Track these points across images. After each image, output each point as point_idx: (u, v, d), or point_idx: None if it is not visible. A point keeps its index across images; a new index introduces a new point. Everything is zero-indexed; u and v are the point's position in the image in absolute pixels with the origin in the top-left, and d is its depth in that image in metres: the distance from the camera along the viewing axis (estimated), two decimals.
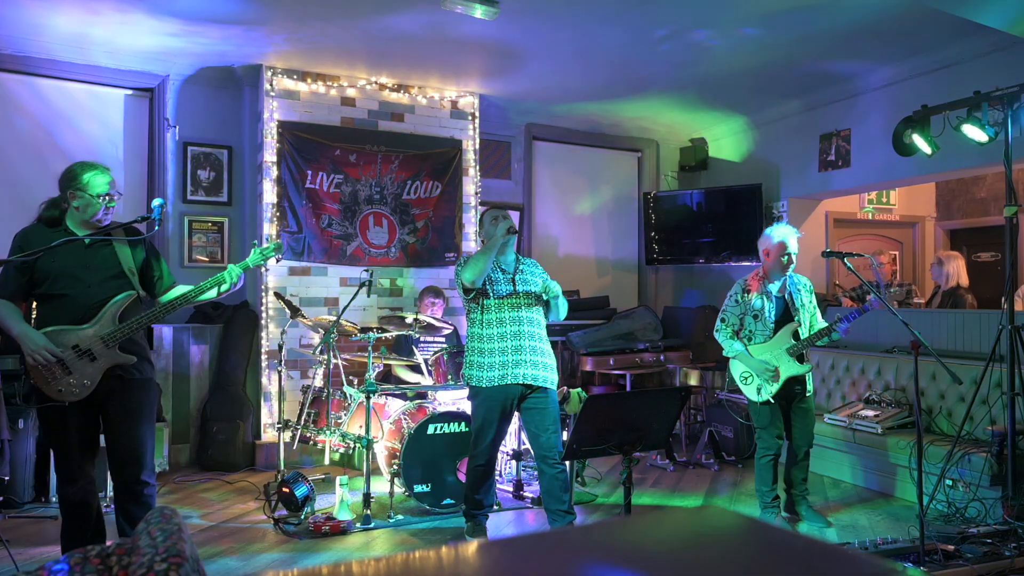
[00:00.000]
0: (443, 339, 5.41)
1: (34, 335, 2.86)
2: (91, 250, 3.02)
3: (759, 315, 4.22)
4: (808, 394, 4.24)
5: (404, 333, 5.08)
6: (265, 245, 3.43)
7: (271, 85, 5.71)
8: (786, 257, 4.17)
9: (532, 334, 3.86)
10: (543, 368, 3.85)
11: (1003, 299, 4.09)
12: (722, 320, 4.32)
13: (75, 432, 2.99)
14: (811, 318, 4.27)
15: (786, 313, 4.23)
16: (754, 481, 4.43)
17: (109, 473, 3.20)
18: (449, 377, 4.86)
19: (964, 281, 6.00)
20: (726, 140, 7.54)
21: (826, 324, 4.18)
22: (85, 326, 2.93)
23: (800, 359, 4.16)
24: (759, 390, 4.18)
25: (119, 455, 3.04)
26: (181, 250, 5.85)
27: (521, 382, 3.80)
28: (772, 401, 4.16)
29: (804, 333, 4.19)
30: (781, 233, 4.22)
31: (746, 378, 4.25)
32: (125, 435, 3.03)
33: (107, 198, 3.04)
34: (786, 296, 4.25)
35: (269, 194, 5.69)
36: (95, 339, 2.93)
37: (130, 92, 5.79)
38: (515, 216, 6.87)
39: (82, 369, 2.91)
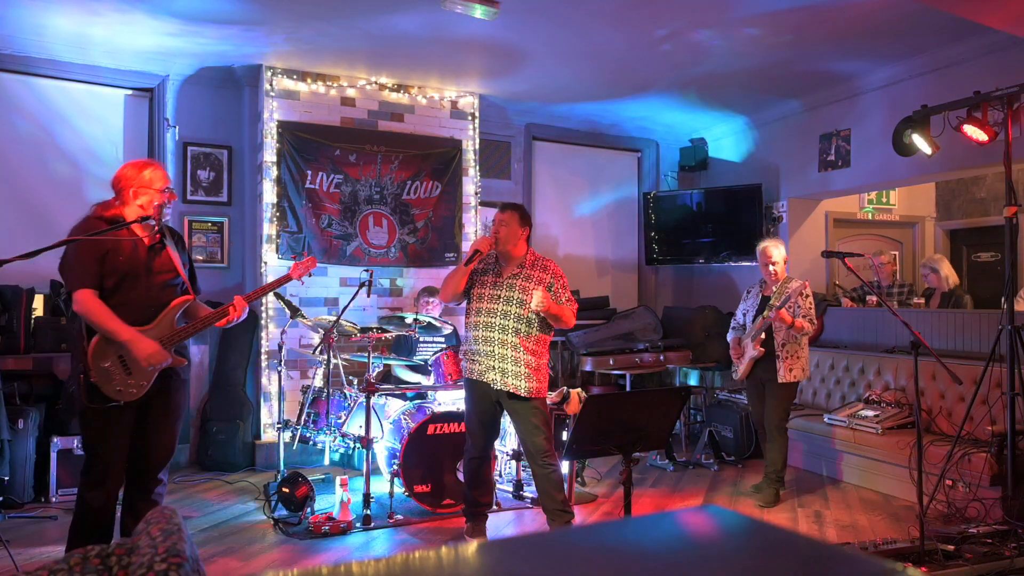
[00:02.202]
0: (443, 339, 5.41)
1: (146, 339, 2.90)
2: (151, 252, 3.05)
3: (749, 311, 4.95)
4: (779, 380, 4.69)
5: (404, 333, 5.08)
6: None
7: (271, 85, 5.71)
8: (765, 264, 4.79)
9: (504, 342, 3.79)
10: (512, 376, 3.79)
11: (1003, 299, 4.09)
12: (734, 315, 5.15)
13: (123, 434, 2.99)
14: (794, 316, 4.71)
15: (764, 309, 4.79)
16: (756, 479, 5.11)
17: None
18: (449, 377, 4.86)
19: (956, 280, 6.08)
20: (726, 140, 7.54)
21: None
22: (148, 327, 2.97)
23: (764, 347, 4.70)
24: (736, 371, 4.98)
25: (151, 453, 3.09)
26: None
27: (493, 387, 3.82)
28: (747, 380, 4.91)
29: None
30: (763, 244, 4.90)
31: (731, 360, 5.03)
32: (163, 433, 3.11)
33: (169, 192, 3.08)
34: (771, 296, 4.75)
35: (269, 194, 5.69)
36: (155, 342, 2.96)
37: (130, 92, 5.79)
38: None
39: (141, 371, 2.94)
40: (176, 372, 3.11)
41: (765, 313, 4.66)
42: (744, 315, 4.99)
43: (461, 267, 3.90)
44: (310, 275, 3.77)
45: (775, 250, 4.81)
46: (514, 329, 3.80)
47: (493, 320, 3.82)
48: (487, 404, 3.91)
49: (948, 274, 6.07)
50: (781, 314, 4.55)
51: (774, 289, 4.74)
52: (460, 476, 4.39)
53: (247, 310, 3.27)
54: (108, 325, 2.86)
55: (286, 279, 3.58)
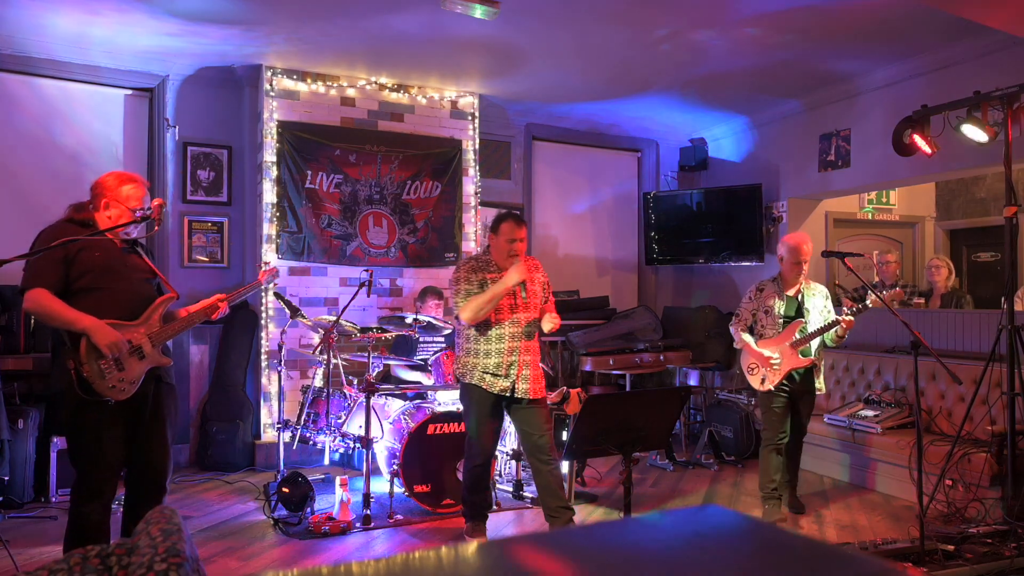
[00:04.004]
0: (443, 339, 5.41)
1: (107, 326, 2.78)
2: (124, 252, 3.02)
3: (769, 311, 4.43)
4: (818, 391, 4.44)
5: (404, 333, 5.08)
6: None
7: (271, 85, 5.71)
8: (799, 263, 4.36)
9: (515, 337, 3.84)
10: (523, 378, 3.84)
11: (1003, 299, 4.09)
12: (736, 315, 4.59)
13: (116, 441, 2.91)
14: (824, 321, 4.37)
15: (798, 312, 4.42)
16: (756, 479, 4.61)
17: (125, 479, 3.13)
18: (449, 377, 4.87)
19: (956, 281, 6.14)
20: (726, 140, 7.54)
21: (827, 322, 4.31)
22: (136, 323, 2.92)
23: (803, 355, 4.32)
24: (762, 380, 4.39)
25: (150, 463, 2.99)
26: (181, 250, 5.84)
27: (512, 393, 3.82)
28: (775, 391, 4.34)
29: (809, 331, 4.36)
30: (796, 239, 4.43)
31: (752, 368, 4.45)
32: (157, 442, 3.01)
33: (144, 210, 3.00)
34: (799, 297, 4.43)
35: (269, 194, 5.69)
36: (144, 337, 2.91)
37: (130, 92, 5.79)
38: None
39: (132, 367, 2.87)
40: (163, 377, 3.04)
41: (836, 322, 4.19)
42: (763, 315, 4.44)
43: (498, 291, 3.75)
44: (275, 284, 3.81)
45: (806, 245, 4.40)
46: (525, 333, 3.89)
47: (503, 320, 3.85)
48: (496, 409, 3.90)
49: (949, 275, 6.12)
50: (851, 324, 4.17)
51: (803, 294, 4.39)
52: (460, 476, 4.39)
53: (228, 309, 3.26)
54: (64, 315, 2.76)
55: (256, 284, 3.59)
